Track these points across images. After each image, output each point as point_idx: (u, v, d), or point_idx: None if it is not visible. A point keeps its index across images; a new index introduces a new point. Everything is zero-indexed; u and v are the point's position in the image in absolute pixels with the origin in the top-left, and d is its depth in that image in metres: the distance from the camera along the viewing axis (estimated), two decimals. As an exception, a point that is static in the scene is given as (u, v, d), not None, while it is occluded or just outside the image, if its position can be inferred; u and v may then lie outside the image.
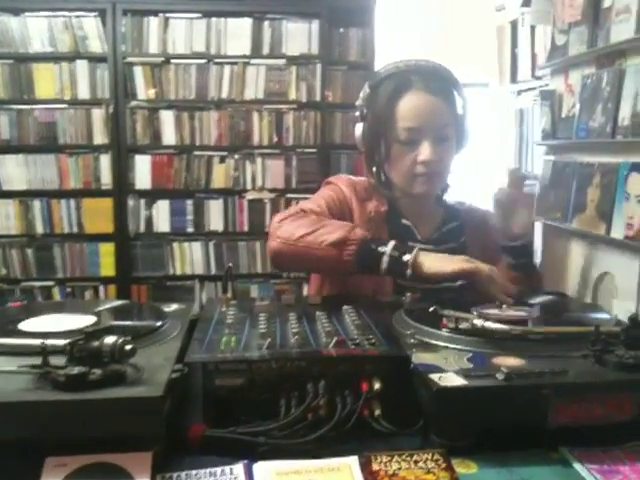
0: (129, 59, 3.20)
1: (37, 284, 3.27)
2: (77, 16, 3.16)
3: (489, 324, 0.99)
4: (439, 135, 1.34)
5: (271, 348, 0.95)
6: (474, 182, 5.24)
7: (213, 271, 3.34)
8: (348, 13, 3.37)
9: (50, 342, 0.88)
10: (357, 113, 1.43)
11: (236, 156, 3.30)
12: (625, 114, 1.26)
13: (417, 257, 1.18)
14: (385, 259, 1.20)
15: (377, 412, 0.89)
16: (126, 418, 0.78)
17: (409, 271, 1.18)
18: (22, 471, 0.75)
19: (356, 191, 1.44)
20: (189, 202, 3.30)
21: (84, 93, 3.21)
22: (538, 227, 1.68)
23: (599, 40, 1.38)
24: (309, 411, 0.87)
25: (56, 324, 1.06)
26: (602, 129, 1.36)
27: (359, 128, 1.42)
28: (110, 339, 0.85)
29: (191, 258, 3.33)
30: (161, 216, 3.29)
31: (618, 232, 1.26)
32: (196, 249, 3.33)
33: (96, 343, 0.84)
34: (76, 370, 0.81)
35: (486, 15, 4.66)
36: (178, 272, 3.33)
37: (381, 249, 1.21)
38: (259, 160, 3.31)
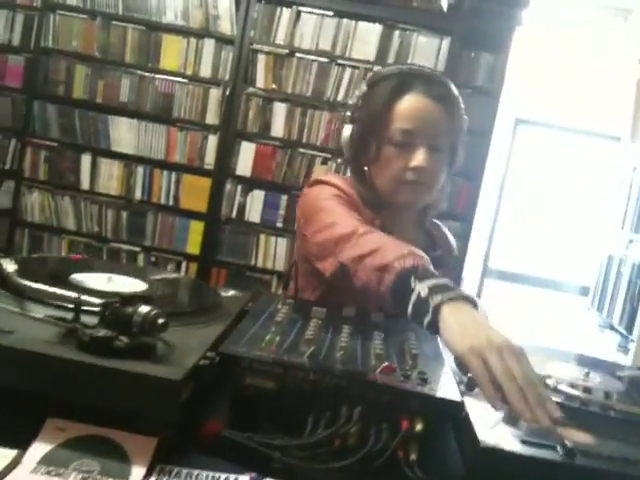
0: (255, 46, 3.21)
1: (125, 247, 3.33)
2: (214, -4, 3.22)
3: (563, 387, 0.87)
4: (434, 143, 1.26)
5: (313, 357, 0.87)
6: (577, 236, 5.00)
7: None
8: (482, 36, 3.23)
9: (86, 298, 0.84)
10: (348, 113, 1.35)
11: (339, 160, 3.24)
12: None
13: (444, 305, 0.87)
14: (413, 298, 0.92)
15: (413, 456, 0.79)
16: (140, 395, 0.72)
17: (427, 319, 0.88)
18: (22, 424, 0.70)
19: (356, 193, 1.34)
20: (284, 197, 3.27)
21: (205, 71, 3.25)
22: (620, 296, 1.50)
23: None
24: (337, 436, 0.79)
25: (106, 283, 1.03)
26: None
27: (348, 129, 1.33)
28: (144, 309, 0.79)
29: (274, 253, 3.29)
30: (254, 206, 3.28)
31: None
32: (281, 245, 3.29)
33: (129, 310, 0.79)
34: (102, 333, 0.76)
35: (628, 66, 4.42)
36: (259, 264, 3.30)
37: (415, 284, 0.93)
38: (361, 169, 3.24)
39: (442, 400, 0.82)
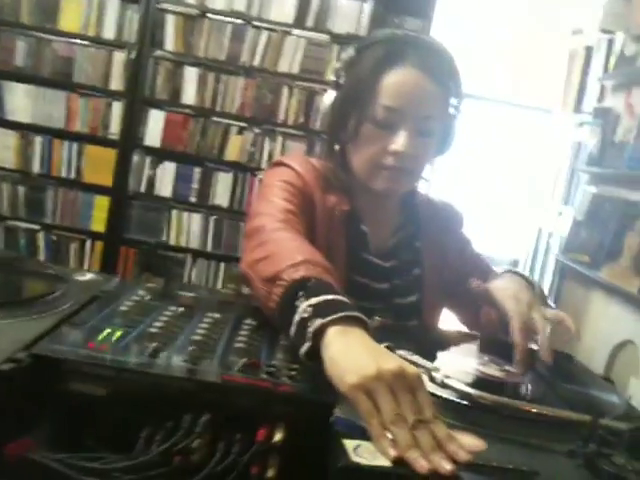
0: (163, 5, 2.97)
1: (23, 225, 3.08)
2: (115, -50, 2.96)
3: (452, 382, 0.74)
4: (422, 126, 1.08)
5: (155, 356, 0.72)
6: (515, 211, 4.99)
7: (209, 248, 3.11)
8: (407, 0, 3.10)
9: None
10: (333, 78, 1.16)
11: (256, 130, 3.05)
12: (693, 145, 0.98)
13: (328, 330, 0.72)
14: (296, 319, 0.77)
15: (270, 473, 0.65)
16: None
17: (305, 347, 0.74)
18: None
19: (317, 177, 1.16)
20: (197, 170, 3.06)
21: (109, 33, 2.99)
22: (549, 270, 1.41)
23: (678, 50, 1.09)
24: (176, 453, 0.64)
25: None
26: (660, 161, 1.08)
27: (330, 96, 1.15)
28: None
29: (188, 230, 3.09)
30: (165, 179, 3.06)
31: (653, 293, 0.98)
32: (195, 221, 3.09)
33: None
34: None
35: (560, 37, 4.37)
36: (172, 242, 3.10)
37: (301, 302, 0.78)
38: (280, 139, 3.06)
39: (308, 401, 0.69)
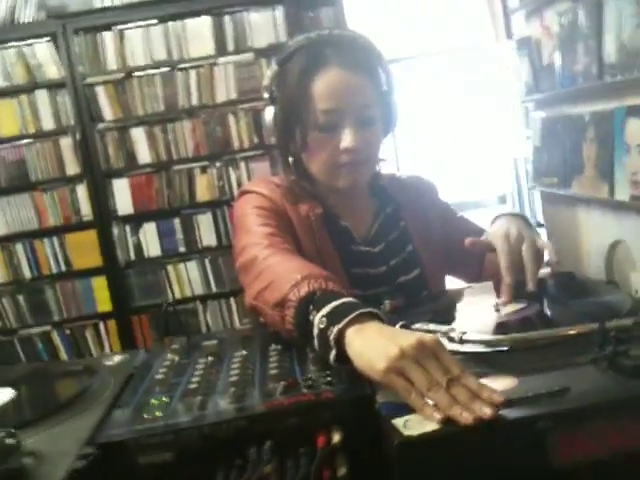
0: (89, 80, 3.02)
1: (34, 331, 3.12)
2: (28, 44, 2.99)
3: (469, 336, 0.80)
4: (362, 117, 1.14)
5: (203, 408, 0.77)
6: (490, 150, 5.04)
7: (214, 289, 3.16)
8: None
9: None
10: (266, 95, 1.20)
11: (217, 164, 3.10)
12: (610, 49, 1.04)
13: (346, 332, 0.78)
14: (315, 332, 0.83)
15: (342, 471, 0.71)
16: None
17: (333, 354, 0.80)
18: None
19: (283, 193, 1.23)
20: (176, 221, 3.11)
21: (48, 124, 3.04)
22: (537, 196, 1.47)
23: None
24: None
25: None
26: (587, 72, 1.14)
27: (269, 112, 1.20)
28: (-12, 435, 0.67)
29: (188, 279, 3.14)
30: (150, 240, 3.11)
31: (623, 192, 1.04)
32: (192, 269, 3.14)
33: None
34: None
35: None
36: (178, 296, 3.15)
37: (314, 316, 0.84)
38: (242, 165, 3.11)
39: (351, 400, 0.74)
